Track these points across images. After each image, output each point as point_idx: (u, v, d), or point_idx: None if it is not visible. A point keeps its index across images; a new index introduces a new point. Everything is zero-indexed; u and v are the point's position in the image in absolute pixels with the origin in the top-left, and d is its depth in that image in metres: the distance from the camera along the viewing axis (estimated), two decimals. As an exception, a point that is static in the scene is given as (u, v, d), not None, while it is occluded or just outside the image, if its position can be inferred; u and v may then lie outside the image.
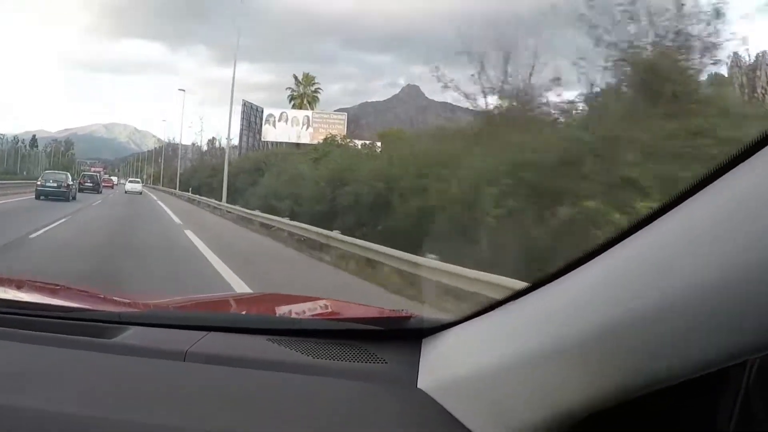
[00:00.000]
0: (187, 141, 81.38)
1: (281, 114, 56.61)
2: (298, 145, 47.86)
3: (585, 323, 0.82)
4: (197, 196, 36.50)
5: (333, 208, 15.97)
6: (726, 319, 0.66)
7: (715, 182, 0.71)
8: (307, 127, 55.15)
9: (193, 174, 54.40)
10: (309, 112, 57.12)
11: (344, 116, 57.93)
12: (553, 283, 0.95)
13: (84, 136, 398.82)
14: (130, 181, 60.83)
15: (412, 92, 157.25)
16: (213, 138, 71.29)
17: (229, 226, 19.54)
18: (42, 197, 29.58)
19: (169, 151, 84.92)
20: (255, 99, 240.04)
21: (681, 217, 0.75)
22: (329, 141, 31.65)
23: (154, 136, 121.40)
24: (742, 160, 0.68)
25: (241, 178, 30.80)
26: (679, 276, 0.70)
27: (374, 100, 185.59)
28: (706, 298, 0.67)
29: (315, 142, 43.83)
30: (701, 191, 0.72)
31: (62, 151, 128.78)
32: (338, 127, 50.85)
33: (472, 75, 12.80)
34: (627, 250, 0.81)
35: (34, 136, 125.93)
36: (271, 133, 55.45)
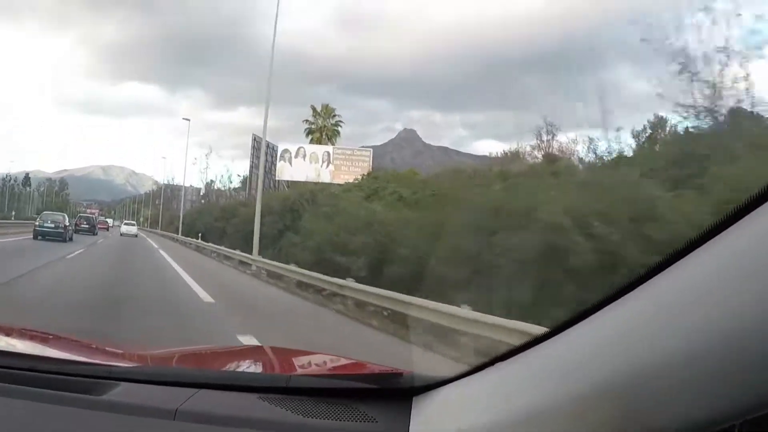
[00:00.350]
0: (187, 181, 77.24)
1: (298, 149, 50.38)
2: (315, 184, 42.17)
3: (580, 381, 0.83)
4: (208, 244, 30.00)
5: (477, 268, 9.20)
6: (725, 379, 0.67)
7: (722, 234, 0.71)
8: (328, 164, 49.15)
9: (197, 216, 48.27)
10: (329, 148, 50.94)
11: (370, 152, 51.99)
12: (544, 343, 0.96)
13: (81, 178, 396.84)
14: (126, 224, 60.48)
15: (408, 136, 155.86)
16: (212, 181, 66.34)
17: (314, 317, 10.38)
18: (39, 237, 30.17)
19: (168, 192, 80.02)
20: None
21: (679, 274, 0.75)
22: (373, 177, 28.31)
23: (151, 178, 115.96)
24: (739, 218, 0.70)
25: (268, 222, 23.92)
26: (678, 333, 0.71)
27: (371, 144, 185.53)
28: (707, 356, 0.68)
29: (336, 181, 39.37)
30: (706, 244, 0.73)
31: (56, 191, 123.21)
32: (363, 165, 45.79)
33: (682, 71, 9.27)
34: (616, 312, 0.83)
35: (27, 174, 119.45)
36: (287, 171, 49.17)
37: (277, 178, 50.26)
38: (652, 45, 10.34)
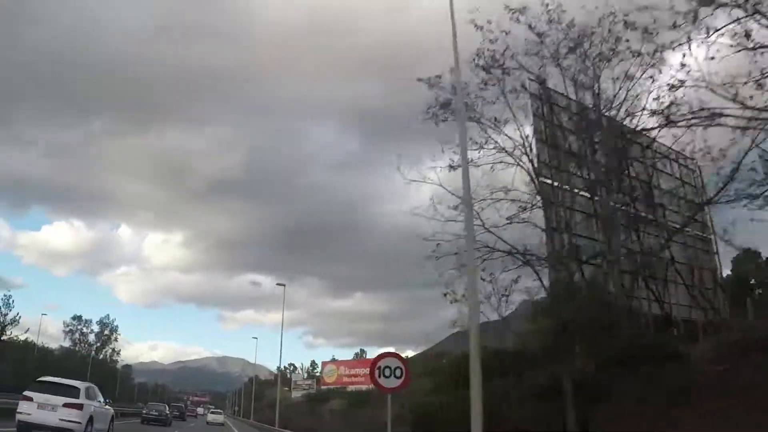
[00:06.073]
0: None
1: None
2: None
3: None
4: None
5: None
6: None
7: None
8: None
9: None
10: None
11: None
12: None
13: (196, 369, 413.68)
14: (212, 412, 67.03)
15: (529, 307, 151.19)
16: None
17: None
18: (146, 422, 39.52)
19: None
20: (372, 330, 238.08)
21: None
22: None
23: (267, 369, 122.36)
24: None
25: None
26: None
27: (493, 319, 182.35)
28: None
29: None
30: None
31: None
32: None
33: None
34: None
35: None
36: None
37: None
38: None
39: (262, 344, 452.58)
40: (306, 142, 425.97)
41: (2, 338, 54.30)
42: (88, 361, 79.94)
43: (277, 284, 48.89)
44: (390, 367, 13.35)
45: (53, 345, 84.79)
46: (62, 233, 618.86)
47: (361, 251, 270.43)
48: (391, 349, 69.02)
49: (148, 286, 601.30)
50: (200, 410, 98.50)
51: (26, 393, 16.74)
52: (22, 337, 59.28)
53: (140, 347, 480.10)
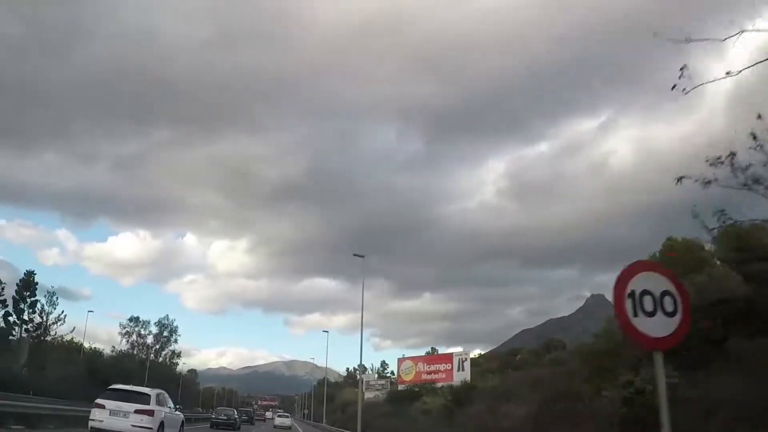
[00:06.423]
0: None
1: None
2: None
3: None
4: None
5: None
6: None
7: None
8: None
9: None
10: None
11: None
12: None
13: (264, 373, 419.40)
14: (279, 416, 69.01)
15: (597, 302, 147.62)
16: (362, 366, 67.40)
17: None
18: (215, 427, 40.03)
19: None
20: (440, 329, 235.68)
21: None
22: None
23: (336, 372, 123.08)
24: None
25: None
26: None
27: (559, 315, 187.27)
28: None
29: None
30: None
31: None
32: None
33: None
34: None
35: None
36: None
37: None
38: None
39: (329, 347, 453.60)
40: (368, 144, 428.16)
41: (46, 338, 51.98)
42: (146, 364, 77.40)
43: (354, 255, 43.67)
44: (653, 295, 6.25)
45: (112, 349, 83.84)
46: (128, 243, 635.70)
47: (428, 251, 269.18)
48: (459, 349, 64.25)
49: (215, 293, 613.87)
50: (269, 414, 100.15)
51: (98, 401, 17.70)
52: (67, 338, 57.44)
53: (209, 354, 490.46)
